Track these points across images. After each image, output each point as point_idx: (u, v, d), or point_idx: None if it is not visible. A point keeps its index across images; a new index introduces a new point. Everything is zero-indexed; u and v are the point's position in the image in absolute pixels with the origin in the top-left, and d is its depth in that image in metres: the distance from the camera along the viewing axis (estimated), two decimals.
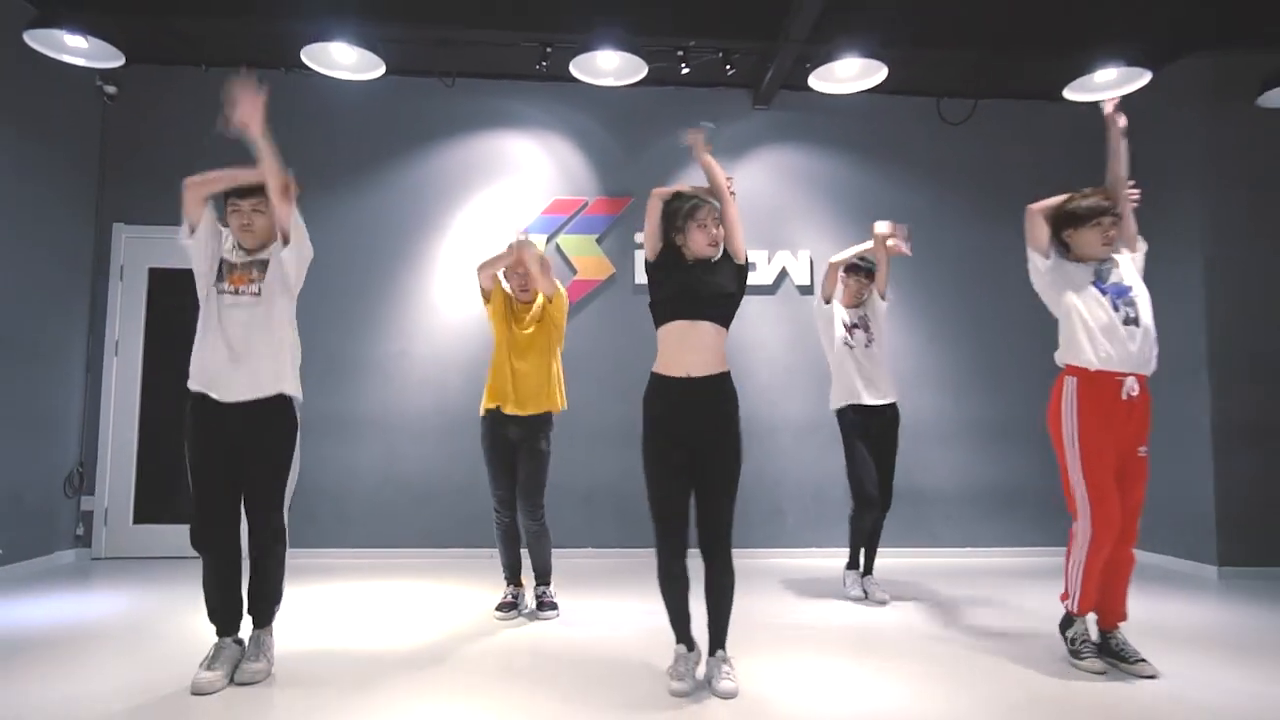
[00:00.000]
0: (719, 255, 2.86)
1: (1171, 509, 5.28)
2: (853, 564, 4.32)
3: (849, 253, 4.28)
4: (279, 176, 2.81)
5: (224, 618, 2.78)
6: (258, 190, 2.83)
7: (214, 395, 2.74)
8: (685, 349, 2.72)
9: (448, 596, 4.24)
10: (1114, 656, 3.00)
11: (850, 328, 4.26)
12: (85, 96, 5.38)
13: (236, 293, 2.79)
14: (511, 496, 3.74)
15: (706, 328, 2.73)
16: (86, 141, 5.43)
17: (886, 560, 5.17)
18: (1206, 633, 3.59)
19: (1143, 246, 3.20)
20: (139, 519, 5.35)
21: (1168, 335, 5.45)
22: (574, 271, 5.75)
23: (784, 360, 5.84)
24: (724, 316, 2.78)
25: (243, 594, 2.82)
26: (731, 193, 2.89)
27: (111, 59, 4.38)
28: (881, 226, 4.15)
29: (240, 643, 2.83)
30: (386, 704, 2.59)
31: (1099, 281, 3.07)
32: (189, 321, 2.85)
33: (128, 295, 5.46)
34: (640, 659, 3.06)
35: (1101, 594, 3.04)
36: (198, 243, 2.81)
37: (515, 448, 3.71)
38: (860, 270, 4.28)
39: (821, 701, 2.65)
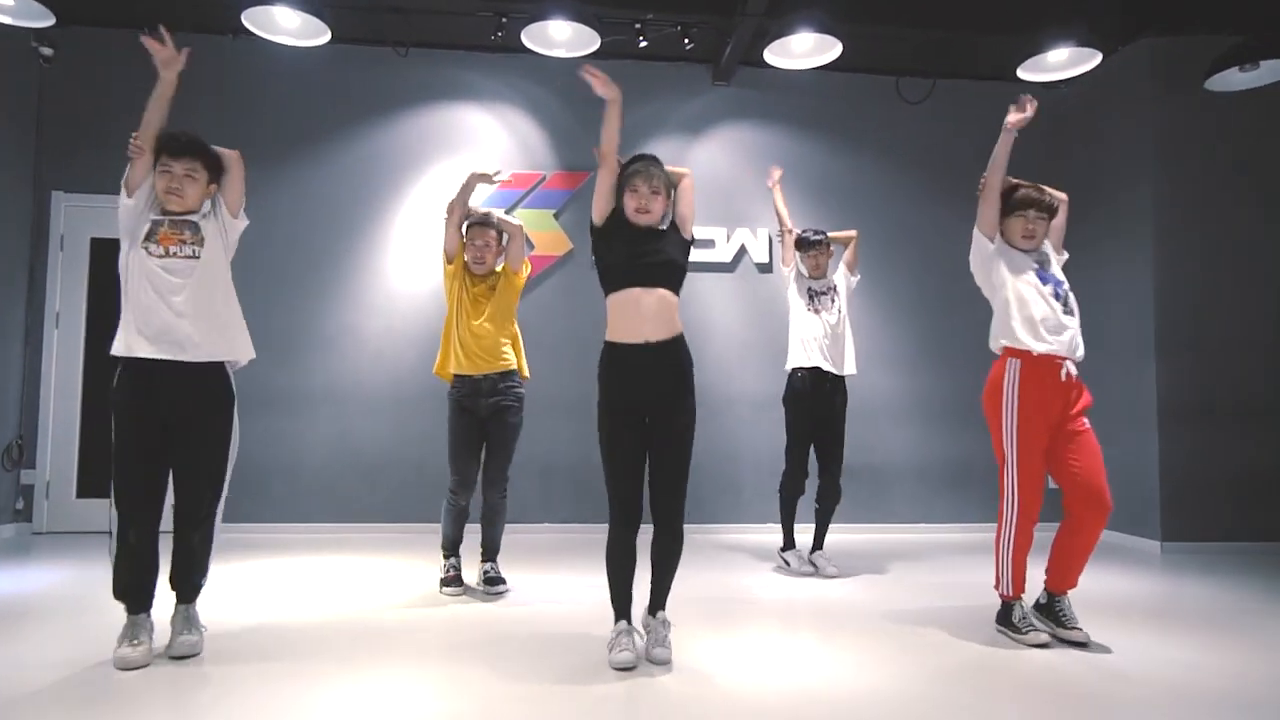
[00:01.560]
0: (663, 225, 2.81)
1: (1117, 485, 5.33)
2: (789, 544, 4.32)
3: (782, 212, 4.49)
4: (232, 151, 2.83)
5: (141, 596, 2.70)
6: (193, 153, 2.72)
7: (146, 354, 2.63)
8: (641, 316, 2.67)
9: (398, 571, 4.21)
10: (1053, 620, 3.07)
11: (816, 294, 4.30)
12: (20, 59, 5.19)
13: (167, 253, 2.68)
14: (472, 477, 3.67)
15: (661, 293, 2.69)
16: (22, 106, 5.24)
17: (842, 536, 5.24)
18: (1147, 607, 3.67)
19: (1064, 255, 3.28)
20: (82, 493, 5.25)
21: (1116, 315, 5.59)
22: (531, 246, 5.69)
23: (741, 336, 5.84)
24: (675, 285, 2.76)
25: (158, 571, 2.73)
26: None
27: (41, 18, 4.22)
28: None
29: (150, 617, 2.75)
30: (329, 679, 2.55)
31: (1042, 271, 3.13)
32: None
33: (68, 265, 5.31)
34: (593, 633, 3.03)
35: (1063, 559, 3.10)
36: (136, 203, 2.69)
37: (485, 421, 3.65)
38: (810, 244, 4.30)
39: (763, 672, 2.67)
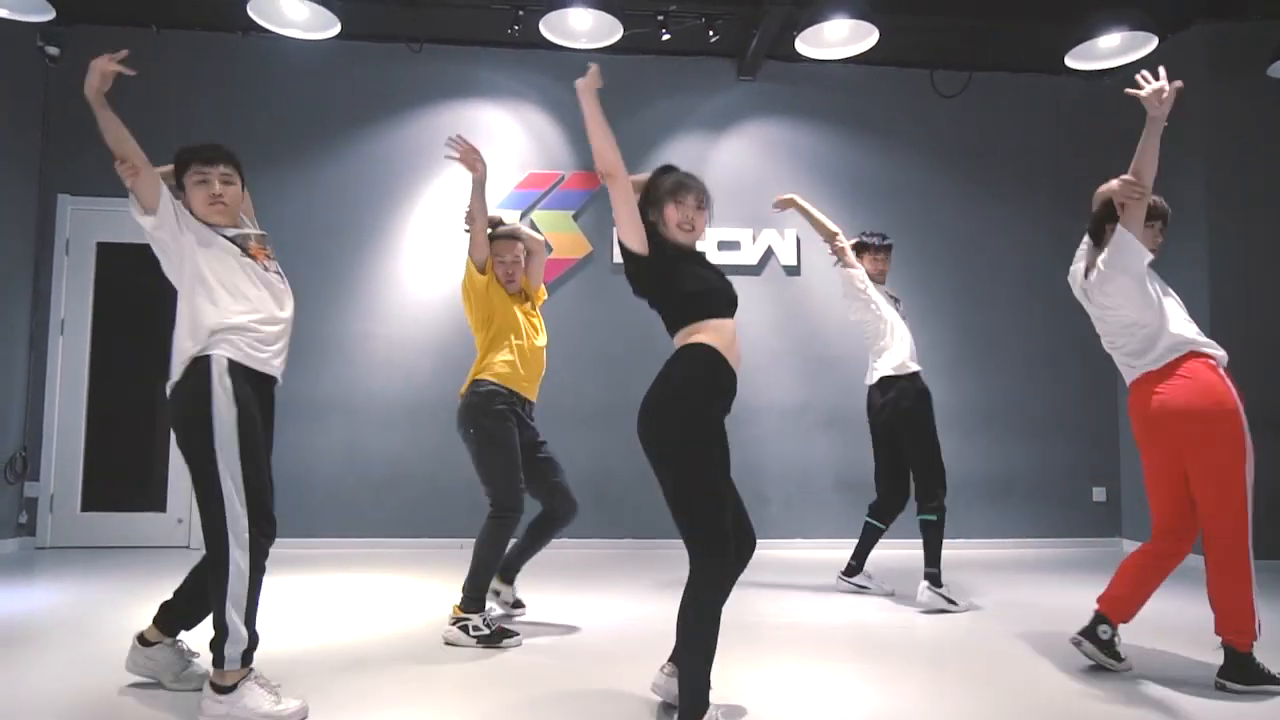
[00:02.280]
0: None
1: None
2: (939, 568, 3.73)
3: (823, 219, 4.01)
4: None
5: None
6: (224, 156, 2.46)
7: (265, 370, 2.40)
8: (734, 344, 2.26)
9: (417, 591, 4.00)
10: (1111, 654, 2.81)
11: (894, 300, 4.04)
12: (26, 59, 5.06)
13: (266, 269, 2.45)
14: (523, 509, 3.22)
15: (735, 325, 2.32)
16: (28, 107, 5.11)
17: (877, 551, 4.96)
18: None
19: None
20: (87, 506, 5.10)
21: None
22: (549, 249, 5.48)
23: (768, 343, 5.60)
24: None
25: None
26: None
27: (41, 12, 4.07)
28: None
29: None
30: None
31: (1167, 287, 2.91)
32: (141, 299, 2.48)
33: (74, 271, 5.16)
34: (632, 661, 2.82)
35: (1142, 587, 2.83)
36: (165, 220, 2.35)
37: (529, 446, 3.26)
38: (878, 248, 4.03)
39: (808, 707, 2.42)
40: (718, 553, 2.10)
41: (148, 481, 5.15)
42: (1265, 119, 4.98)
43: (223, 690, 2.22)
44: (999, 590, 4.15)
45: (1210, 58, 5.02)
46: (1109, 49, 4.38)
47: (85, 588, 3.94)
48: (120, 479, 5.15)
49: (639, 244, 2.23)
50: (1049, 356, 5.72)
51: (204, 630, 2.33)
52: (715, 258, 5.58)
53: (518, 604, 3.42)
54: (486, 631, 3.01)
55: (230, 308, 2.33)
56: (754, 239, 5.67)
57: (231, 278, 2.37)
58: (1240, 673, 2.62)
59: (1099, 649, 2.82)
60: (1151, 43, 4.27)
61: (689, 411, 2.15)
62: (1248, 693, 2.60)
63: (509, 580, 3.37)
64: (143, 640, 2.49)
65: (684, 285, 2.24)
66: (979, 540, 5.52)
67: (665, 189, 2.31)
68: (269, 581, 2.37)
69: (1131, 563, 2.86)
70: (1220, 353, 2.74)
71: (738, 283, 5.97)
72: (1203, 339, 2.76)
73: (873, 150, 5.77)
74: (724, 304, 2.27)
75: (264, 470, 2.35)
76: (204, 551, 2.31)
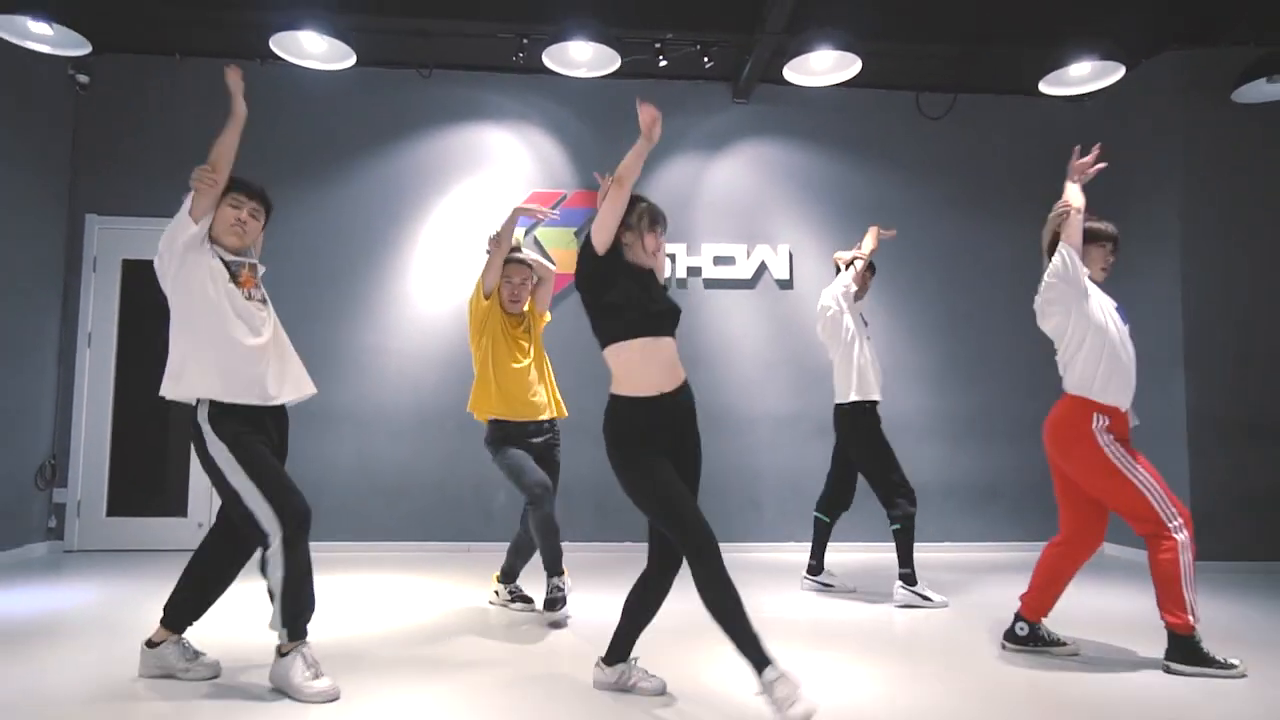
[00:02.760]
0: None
1: None
2: (911, 569, 3.94)
3: (867, 249, 4.20)
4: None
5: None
6: (262, 196, 2.77)
7: (259, 401, 2.60)
8: (652, 366, 2.46)
9: (422, 591, 4.21)
10: (1047, 644, 3.08)
11: (865, 321, 4.23)
12: (57, 86, 5.33)
13: (249, 297, 2.66)
14: (547, 479, 3.48)
15: (669, 343, 2.51)
16: (59, 131, 5.38)
17: (867, 555, 5.18)
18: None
19: None
20: (112, 511, 5.32)
21: (1143, 329, 5.46)
22: (552, 265, 5.71)
23: (763, 354, 5.82)
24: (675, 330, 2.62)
25: None
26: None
27: (78, 46, 4.34)
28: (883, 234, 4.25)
29: None
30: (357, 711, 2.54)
31: (1120, 309, 3.05)
32: (164, 314, 2.63)
33: (101, 287, 5.42)
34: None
35: (1055, 585, 3.08)
36: (202, 228, 2.61)
37: (538, 456, 3.54)
38: (870, 266, 4.28)
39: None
40: (702, 554, 2.31)
41: (169, 488, 5.39)
42: (1234, 141, 5.18)
43: (279, 654, 2.58)
44: (984, 591, 4.32)
45: (1181, 82, 5.24)
46: (1080, 76, 4.61)
47: (110, 589, 4.12)
48: (143, 485, 5.39)
49: (603, 244, 2.48)
50: (1034, 364, 5.88)
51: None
52: (710, 272, 5.83)
53: (521, 598, 3.71)
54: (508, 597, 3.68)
55: (204, 334, 2.57)
56: (748, 254, 5.90)
57: (215, 299, 2.59)
58: (1184, 655, 2.82)
59: (1021, 644, 3.06)
60: (1119, 72, 4.50)
61: (613, 449, 2.45)
62: (1193, 675, 2.78)
63: (506, 580, 3.75)
64: (149, 644, 2.71)
65: (609, 296, 2.47)
66: (966, 544, 5.72)
67: (646, 217, 2.56)
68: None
69: (1043, 558, 3.10)
70: (1114, 401, 2.93)
71: (733, 296, 6.20)
72: (1106, 393, 2.93)
73: (863, 169, 6.00)
74: (639, 325, 2.45)
75: (280, 474, 2.59)
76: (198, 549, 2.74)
